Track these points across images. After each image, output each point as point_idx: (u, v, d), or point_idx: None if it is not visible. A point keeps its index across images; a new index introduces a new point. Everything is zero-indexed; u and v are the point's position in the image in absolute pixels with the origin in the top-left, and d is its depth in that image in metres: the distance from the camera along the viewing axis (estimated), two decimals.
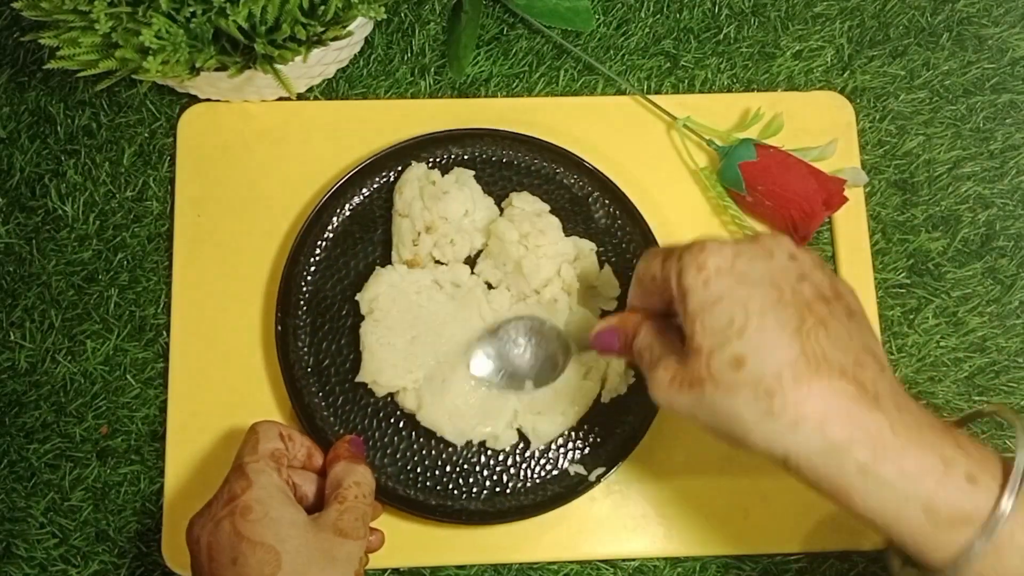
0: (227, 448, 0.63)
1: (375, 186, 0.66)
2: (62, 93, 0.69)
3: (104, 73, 0.57)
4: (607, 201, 0.65)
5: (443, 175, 0.65)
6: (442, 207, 0.63)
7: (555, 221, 0.64)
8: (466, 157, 0.66)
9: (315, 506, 0.55)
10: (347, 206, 0.65)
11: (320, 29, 0.58)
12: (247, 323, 0.65)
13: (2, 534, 0.63)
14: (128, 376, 0.65)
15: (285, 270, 0.63)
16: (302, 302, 0.64)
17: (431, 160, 0.66)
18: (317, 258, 0.65)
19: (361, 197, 0.66)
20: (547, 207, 0.64)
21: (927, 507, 0.41)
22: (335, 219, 0.65)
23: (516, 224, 0.62)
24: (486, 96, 0.70)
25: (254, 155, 0.68)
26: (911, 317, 0.68)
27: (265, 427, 0.55)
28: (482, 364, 0.61)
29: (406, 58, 0.70)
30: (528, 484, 0.62)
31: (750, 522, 0.63)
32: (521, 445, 0.62)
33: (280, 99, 0.68)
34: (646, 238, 0.64)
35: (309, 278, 0.64)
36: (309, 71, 0.65)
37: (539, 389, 0.61)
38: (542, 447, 0.62)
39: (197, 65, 0.57)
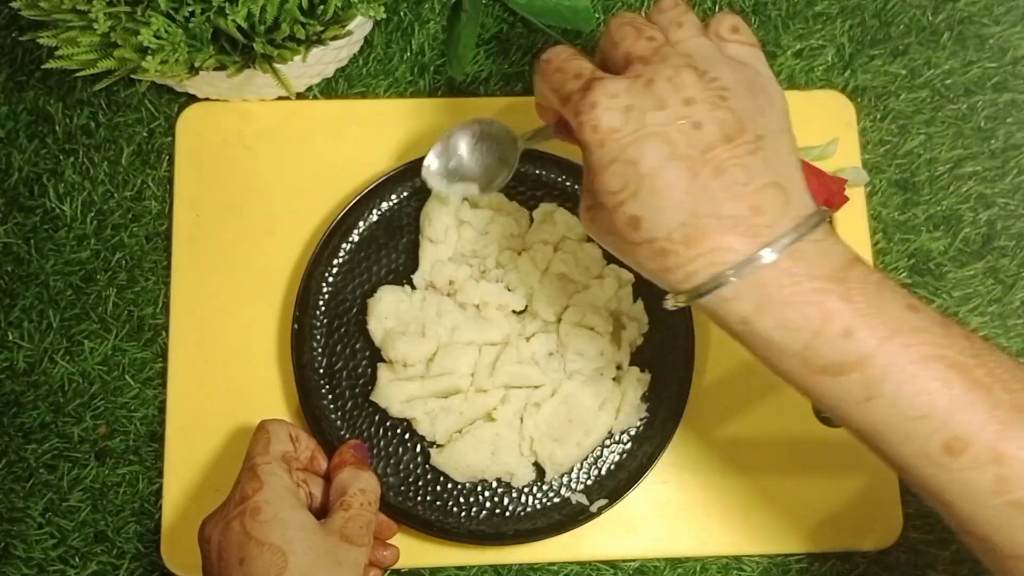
0: (226, 449, 0.63)
1: (404, 193, 0.65)
2: (60, 92, 0.68)
3: (103, 73, 0.57)
4: None
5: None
6: (484, 251, 0.62)
7: (597, 255, 0.63)
8: None
9: (320, 509, 0.56)
10: (375, 211, 0.65)
11: (319, 28, 0.58)
12: (248, 323, 0.65)
13: (0, 535, 0.62)
14: (127, 376, 0.64)
15: (307, 270, 0.63)
16: (321, 303, 0.64)
17: None
18: (340, 260, 0.64)
19: (390, 203, 0.65)
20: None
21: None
22: (362, 223, 0.65)
23: (557, 260, 0.62)
24: (486, 95, 0.70)
25: (253, 155, 0.67)
26: None
27: (275, 426, 0.55)
28: (432, 162, 0.59)
29: (406, 57, 0.70)
30: (528, 510, 0.61)
31: (750, 522, 0.63)
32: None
33: (279, 98, 0.68)
34: None
35: (331, 279, 0.64)
36: (308, 70, 0.64)
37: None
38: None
39: (196, 65, 0.57)
